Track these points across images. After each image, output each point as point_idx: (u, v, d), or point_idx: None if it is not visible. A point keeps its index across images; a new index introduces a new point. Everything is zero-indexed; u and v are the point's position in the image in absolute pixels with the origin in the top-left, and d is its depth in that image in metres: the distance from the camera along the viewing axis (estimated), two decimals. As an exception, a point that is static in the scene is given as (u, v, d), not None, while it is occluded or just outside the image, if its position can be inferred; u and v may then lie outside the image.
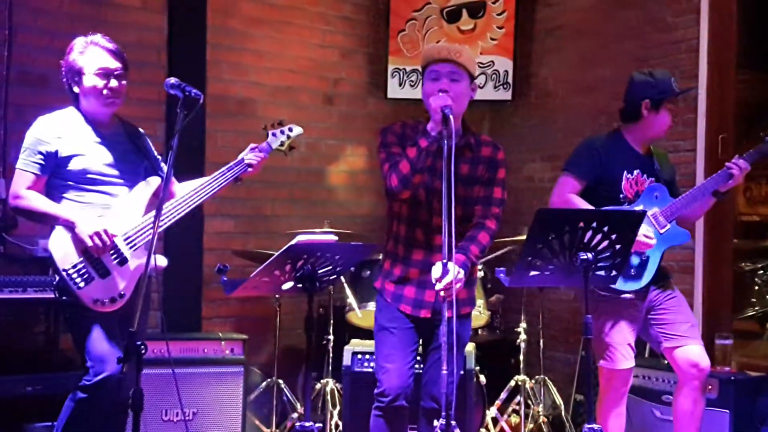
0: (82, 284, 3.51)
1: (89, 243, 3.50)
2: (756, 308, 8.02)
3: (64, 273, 3.50)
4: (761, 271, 8.09)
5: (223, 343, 5.08)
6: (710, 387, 4.52)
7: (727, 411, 4.65)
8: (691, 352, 4.12)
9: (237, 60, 6.12)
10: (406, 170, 3.47)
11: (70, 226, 3.52)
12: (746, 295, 8.05)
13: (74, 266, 3.51)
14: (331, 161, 6.63)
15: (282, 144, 4.06)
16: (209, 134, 5.91)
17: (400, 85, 6.69)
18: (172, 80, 3.41)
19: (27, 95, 5.13)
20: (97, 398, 3.48)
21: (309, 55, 6.50)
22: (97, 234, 3.49)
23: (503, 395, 5.49)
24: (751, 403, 4.74)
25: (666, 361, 4.38)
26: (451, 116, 3.36)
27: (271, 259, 3.25)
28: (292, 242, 3.22)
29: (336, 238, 3.61)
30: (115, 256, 3.58)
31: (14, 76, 5.11)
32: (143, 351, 3.04)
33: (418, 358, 3.81)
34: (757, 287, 8.19)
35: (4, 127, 5.08)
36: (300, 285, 3.41)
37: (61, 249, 3.53)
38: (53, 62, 5.08)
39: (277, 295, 5.24)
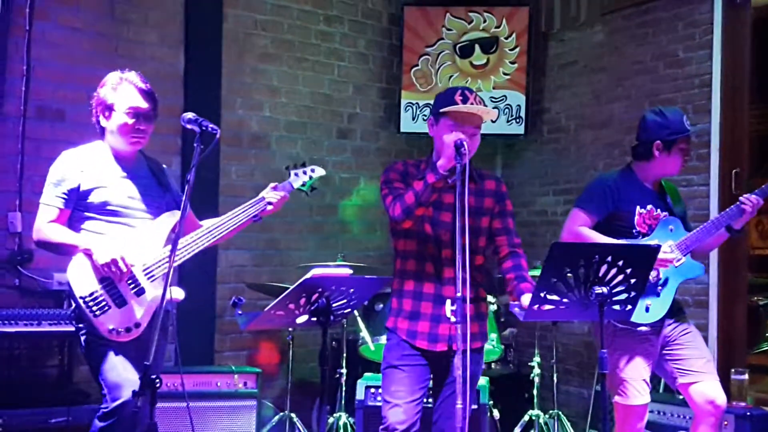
0: (98, 312, 3.50)
1: (106, 270, 3.50)
2: (770, 343, 7.98)
3: (81, 300, 3.50)
4: (775, 305, 8.06)
5: (236, 376, 5.08)
6: (726, 423, 4.48)
7: (744, 447, 4.62)
8: (708, 388, 4.08)
9: (251, 95, 6.18)
10: (410, 201, 3.49)
11: (88, 254, 3.52)
12: (760, 330, 8.00)
13: (91, 294, 3.51)
14: (344, 195, 6.66)
15: (304, 184, 4.08)
16: (223, 168, 5.96)
17: (413, 119, 6.73)
18: (189, 115, 3.44)
19: (44, 130, 5.18)
20: (115, 426, 3.45)
21: (323, 90, 6.56)
22: (114, 261, 3.49)
23: (517, 430, 5.46)
24: (767, 439, 4.71)
25: (681, 397, 4.35)
26: (464, 149, 3.36)
27: (286, 293, 3.25)
28: (307, 276, 3.22)
29: (351, 271, 3.61)
30: (132, 285, 3.58)
31: (31, 111, 5.17)
32: (158, 385, 3.05)
33: (429, 392, 3.79)
34: (770, 321, 8.15)
35: (21, 161, 5.12)
36: (315, 318, 3.41)
37: (79, 277, 3.53)
38: (70, 97, 5.19)
39: (290, 329, 5.24)
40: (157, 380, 3.04)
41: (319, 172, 4.11)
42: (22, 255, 5.07)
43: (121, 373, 3.48)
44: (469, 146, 3.45)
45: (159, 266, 3.64)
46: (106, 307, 3.52)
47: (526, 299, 3.49)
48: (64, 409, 4.55)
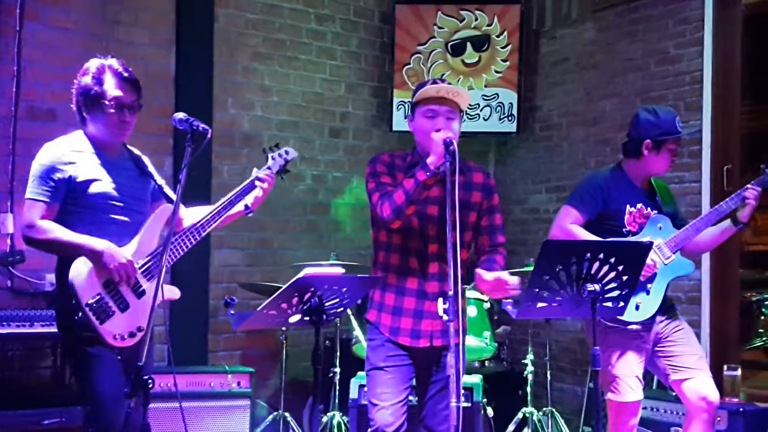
0: (104, 319, 3.38)
1: (116, 275, 3.40)
2: (763, 338, 7.99)
3: (86, 308, 3.35)
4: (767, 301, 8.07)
5: (229, 376, 5.08)
6: (719, 419, 4.49)
7: (737, 443, 4.63)
8: (700, 384, 4.09)
9: (243, 94, 6.18)
10: (400, 201, 3.47)
11: (94, 257, 3.39)
12: (753, 326, 8.02)
13: (96, 300, 3.38)
14: (337, 194, 6.66)
15: (280, 169, 4.00)
16: (215, 168, 5.95)
17: (405, 117, 6.70)
18: (181, 115, 3.40)
19: (35, 130, 5.16)
20: None
21: (315, 89, 6.56)
22: (124, 266, 3.40)
23: (511, 428, 5.46)
24: (760, 435, 4.73)
25: (674, 393, 4.36)
26: (453, 147, 3.37)
27: (278, 293, 3.24)
28: (300, 275, 3.21)
29: (343, 270, 3.60)
30: (134, 287, 3.48)
31: (22, 111, 5.16)
32: (150, 385, 3.02)
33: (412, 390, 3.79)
34: (763, 317, 8.16)
35: (12, 161, 5.11)
36: (307, 318, 3.40)
37: (84, 282, 3.38)
38: (61, 97, 5.16)
39: (283, 328, 5.24)
40: (150, 381, 3.02)
41: (293, 154, 4.01)
42: (14, 256, 5.04)
43: (112, 390, 3.38)
44: (446, 127, 3.51)
45: (156, 264, 3.53)
46: (111, 312, 3.41)
47: (481, 271, 3.47)
48: (57, 410, 4.54)
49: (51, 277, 4.96)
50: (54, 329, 4.45)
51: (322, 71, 6.60)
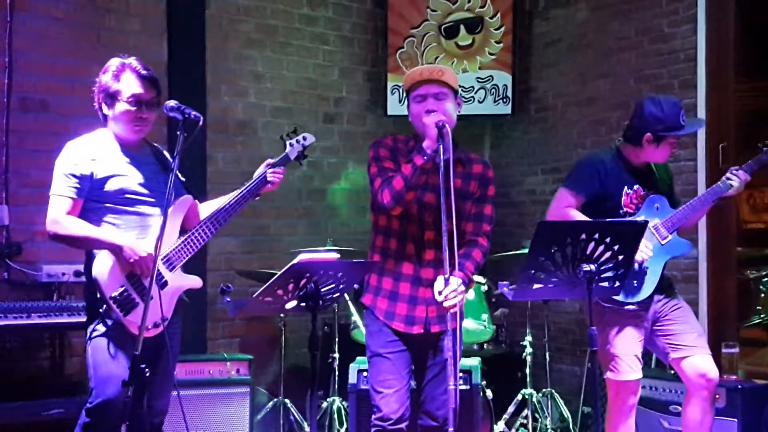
0: (129, 311, 3.44)
1: (137, 268, 3.45)
2: (762, 316, 7.98)
3: (110, 300, 3.42)
4: (766, 279, 8.06)
5: (228, 363, 5.08)
6: (718, 396, 4.51)
7: (735, 420, 4.65)
8: (700, 362, 4.10)
9: (237, 82, 6.16)
10: (399, 186, 3.48)
11: (115, 251, 3.45)
12: (751, 303, 8.02)
13: (120, 293, 3.44)
14: (332, 179, 6.65)
15: (298, 156, 4.05)
16: (210, 156, 5.94)
17: (400, 102, 6.70)
18: (172, 103, 3.42)
19: (28, 121, 5.16)
20: (101, 422, 3.43)
21: (308, 74, 6.54)
22: (144, 259, 3.44)
23: (510, 409, 5.47)
24: (759, 412, 4.73)
25: (673, 371, 4.37)
26: (446, 130, 3.39)
27: (273, 279, 3.25)
28: (294, 261, 3.22)
29: (338, 255, 3.60)
30: (157, 278, 3.51)
31: (15, 103, 5.14)
32: (147, 374, 3.03)
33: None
34: (762, 295, 8.16)
35: (6, 153, 5.09)
36: (304, 304, 3.41)
37: (108, 275, 3.44)
38: (54, 88, 5.18)
39: (281, 315, 5.24)
40: (147, 370, 3.03)
41: (311, 140, 4.08)
42: (11, 248, 5.05)
43: (112, 368, 3.43)
44: (437, 107, 3.52)
45: (177, 255, 3.62)
46: (135, 304, 3.46)
47: (439, 282, 3.41)
48: (56, 401, 4.54)
49: (47, 268, 4.99)
50: (51, 320, 4.52)
51: (315, 56, 6.58)
